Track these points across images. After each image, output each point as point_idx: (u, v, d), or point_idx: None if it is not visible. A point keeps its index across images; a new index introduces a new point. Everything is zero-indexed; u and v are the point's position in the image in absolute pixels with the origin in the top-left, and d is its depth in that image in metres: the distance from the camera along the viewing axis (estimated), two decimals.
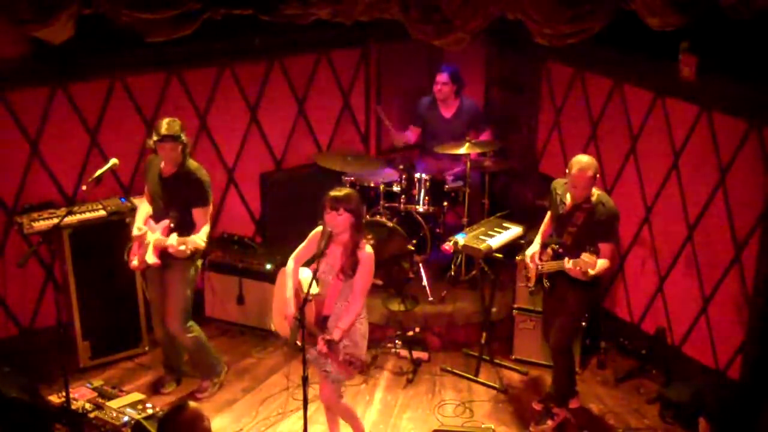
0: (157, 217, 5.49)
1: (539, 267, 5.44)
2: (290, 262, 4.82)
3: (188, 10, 4.79)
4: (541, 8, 4.92)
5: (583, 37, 5.05)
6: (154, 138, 5.26)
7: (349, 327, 4.61)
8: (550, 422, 5.57)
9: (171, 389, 5.93)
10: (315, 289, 4.62)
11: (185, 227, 5.35)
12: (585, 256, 4.95)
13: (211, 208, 5.50)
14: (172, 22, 4.89)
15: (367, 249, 4.65)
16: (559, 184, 5.43)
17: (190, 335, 5.67)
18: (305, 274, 4.79)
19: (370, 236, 4.73)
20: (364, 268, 4.62)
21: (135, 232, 5.49)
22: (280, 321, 4.92)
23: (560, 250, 5.28)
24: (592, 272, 5.02)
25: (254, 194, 7.15)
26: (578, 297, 5.37)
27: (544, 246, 5.46)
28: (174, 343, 5.85)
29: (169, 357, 5.96)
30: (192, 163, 5.44)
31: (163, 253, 5.38)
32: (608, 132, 6.50)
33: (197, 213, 5.38)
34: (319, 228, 4.73)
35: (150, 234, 5.44)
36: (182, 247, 5.18)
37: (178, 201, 5.38)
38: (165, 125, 5.24)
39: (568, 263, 5.13)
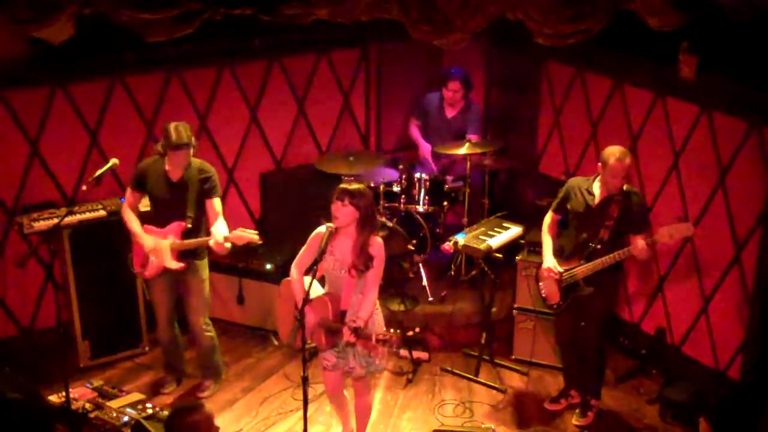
0: (162, 220, 5.45)
1: (567, 278, 5.33)
2: (293, 270, 4.81)
3: (188, 10, 4.80)
4: (541, 8, 4.92)
5: (583, 37, 5.06)
6: (169, 146, 5.25)
7: (369, 316, 4.64)
8: (590, 413, 5.62)
9: (171, 389, 5.95)
10: (320, 291, 4.62)
11: (198, 224, 5.43)
12: (677, 227, 4.94)
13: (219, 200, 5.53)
14: (172, 22, 4.89)
15: (378, 240, 4.66)
16: (579, 181, 5.38)
17: (209, 334, 5.75)
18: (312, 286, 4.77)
19: (381, 234, 4.76)
20: (377, 261, 4.64)
21: (149, 244, 5.42)
22: (285, 329, 4.92)
23: (598, 247, 5.19)
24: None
25: (254, 194, 7.15)
26: (607, 293, 5.36)
27: (566, 254, 5.37)
28: (177, 343, 5.89)
29: (170, 357, 5.97)
30: (195, 161, 5.46)
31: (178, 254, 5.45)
32: (608, 132, 6.49)
33: (215, 203, 5.43)
34: (319, 230, 4.74)
35: (158, 241, 5.43)
36: (228, 244, 5.27)
37: (192, 198, 5.39)
38: (178, 133, 5.22)
39: (640, 245, 4.98)
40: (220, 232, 5.30)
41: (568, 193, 5.40)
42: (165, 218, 5.44)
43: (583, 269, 5.26)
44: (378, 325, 4.79)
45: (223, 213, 6.69)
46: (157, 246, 5.43)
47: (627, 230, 5.15)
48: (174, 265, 5.42)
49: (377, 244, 4.64)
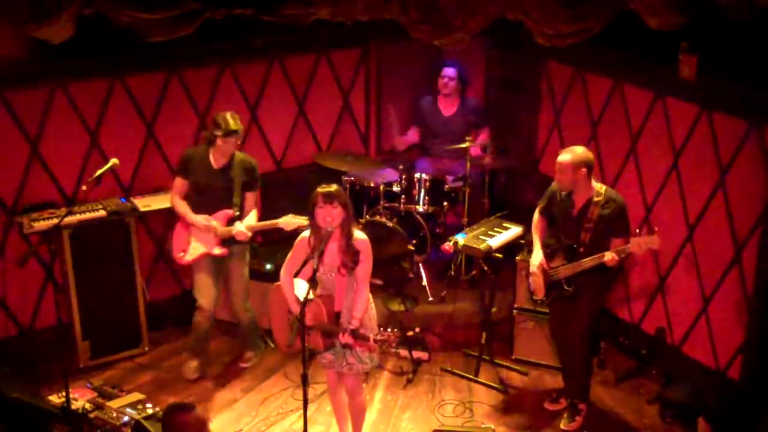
0: (207, 207, 5.67)
1: (552, 275, 5.37)
2: (283, 275, 4.82)
3: (188, 10, 4.80)
4: (541, 8, 4.92)
5: (583, 37, 5.06)
6: (219, 132, 5.49)
7: (364, 314, 4.68)
8: (578, 418, 5.61)
9: (196, 375, 6.08)
10: (311, 295, 4.63)
11: (241, 213, 5.73)
12: (646, 239, 4.98)
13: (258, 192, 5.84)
14: (172, 22, 4.90)
15: (360, 235, 4.68)
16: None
17: (249, 314, 6.09)
18: (301, 284, 4.79)
19: (365, 230, 4.77)
20: (364, 255, 4.66)
21: (203, 222, 5.64)
22: (282, 335, 4.93)
23: (581, 249, 5.21)
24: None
25: None
26: (593, 294, 5.36)
27: (552, 252, 5.40)
28: (211, 328, 6.05)
29: (201, 342, 6.07)
30: (239, 153, 5.72)
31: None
32: (608, 132, 6.50)
33: (251, 197, 5.76)
34: (304, 234, 4.74)
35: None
36: (249, 234, 5.65)
37: (236, 188, 5.65)
38: (233, 120, 5.50)
39: (608, 255, 5.04)
40: (246, 222, 5.65)
41: (551, 197, 5.45)
42: (207, 205, 5.68)
43: (564, 270, 5.29)
44: (372, 320, 4.81)
45: None
46: (198, 235, 5.70)
47: (607, 234, 5.16)
48: (218, 251, 5.68)
49: (361, 238, 4.67)
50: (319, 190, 4.60)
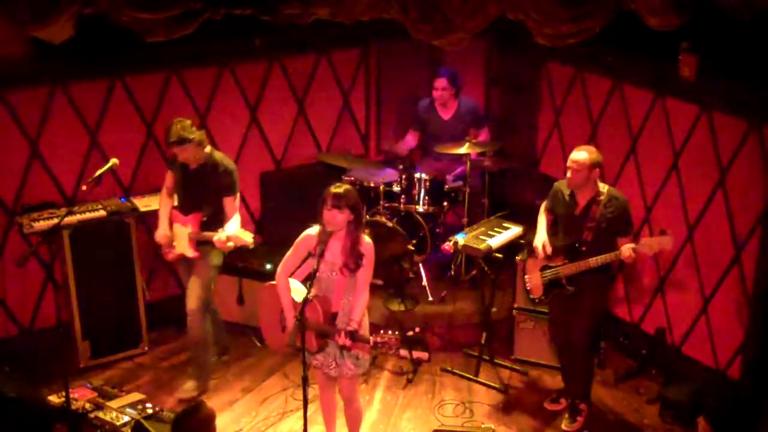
0: (184, 207, 5.64)
1: (547, 273, 5.35)
2: (279, 274, 4.74)
3: (188, 10, 4.81)
4: (542, 8, 4.92)
5: (583, 37, 5.06)
6: (168, 141, 5.42)
7: (362, 317, 4.65)
8: (580, 418, 5.61)
9: (189, 395, 5.96)
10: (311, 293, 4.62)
11: (216, 218, 5.53)
12: (659, 240, 4.97)
13: (239, 196, 5.63)
14: (172, 22, 4.90)
15: (367, 240, 4.66)
16: (562, 185, 5.40)
17: (199, 325, 5.66)
18: (295, 286, 4.77)
19: (367, 231, 4.76)
20: (367, 260, 4.64)
21: (158, 233, 5.64)
22: (272, 335, 4.91)
23: (583, 248, 5.21)
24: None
25: (254, 194, 7.14)
26: (595, 294, 5.36)
27: (553, 250, 5.38)
28: (215, 320, 5.94)
29: (193, 349, 5.98)
30: (217, 154, 5.61)
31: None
32: (608, 132, 6.50)
33: (228, 202, 5.53)
34: (307, 232, 4.70)
35: (180, 227, 5.62)
36: (230, 244, 5.37)
37: (208, 192, 5.53)
38: (172, 131, 5.36)
39: (627, 251, 5.01)
40: (226, 230, 5.37)
41: (554, 196, 5.45)
42: (184, 205, 5.66)
43: (567, 268, 5.28)
44: (364, 326, 4.76)
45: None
46: (177, 233, 5.65)
47: (611, 233, 5.16)
48: (190, 253, 5.60)
49: (367, 242, 4.65)
50: (332, 189, 4.53)
